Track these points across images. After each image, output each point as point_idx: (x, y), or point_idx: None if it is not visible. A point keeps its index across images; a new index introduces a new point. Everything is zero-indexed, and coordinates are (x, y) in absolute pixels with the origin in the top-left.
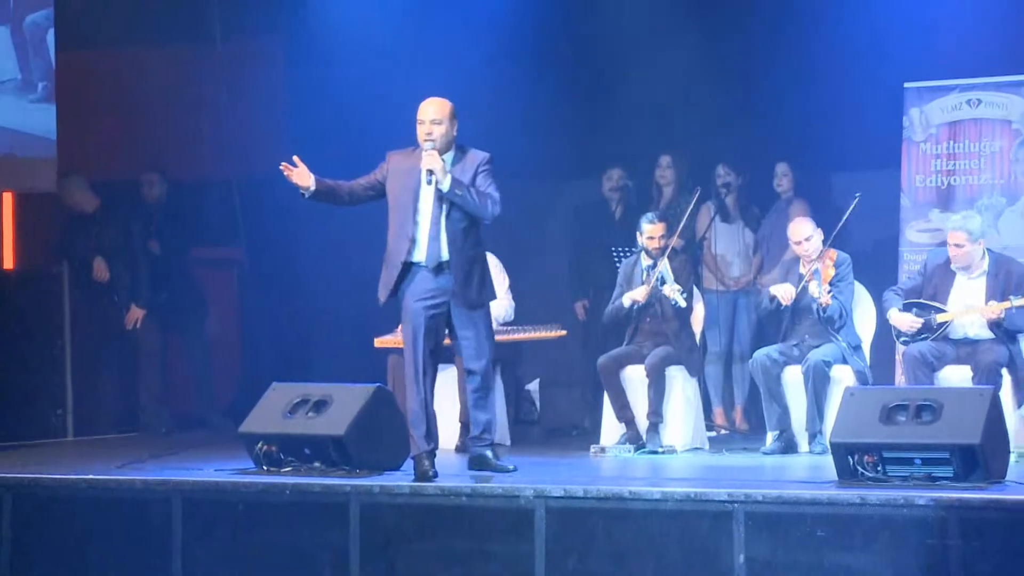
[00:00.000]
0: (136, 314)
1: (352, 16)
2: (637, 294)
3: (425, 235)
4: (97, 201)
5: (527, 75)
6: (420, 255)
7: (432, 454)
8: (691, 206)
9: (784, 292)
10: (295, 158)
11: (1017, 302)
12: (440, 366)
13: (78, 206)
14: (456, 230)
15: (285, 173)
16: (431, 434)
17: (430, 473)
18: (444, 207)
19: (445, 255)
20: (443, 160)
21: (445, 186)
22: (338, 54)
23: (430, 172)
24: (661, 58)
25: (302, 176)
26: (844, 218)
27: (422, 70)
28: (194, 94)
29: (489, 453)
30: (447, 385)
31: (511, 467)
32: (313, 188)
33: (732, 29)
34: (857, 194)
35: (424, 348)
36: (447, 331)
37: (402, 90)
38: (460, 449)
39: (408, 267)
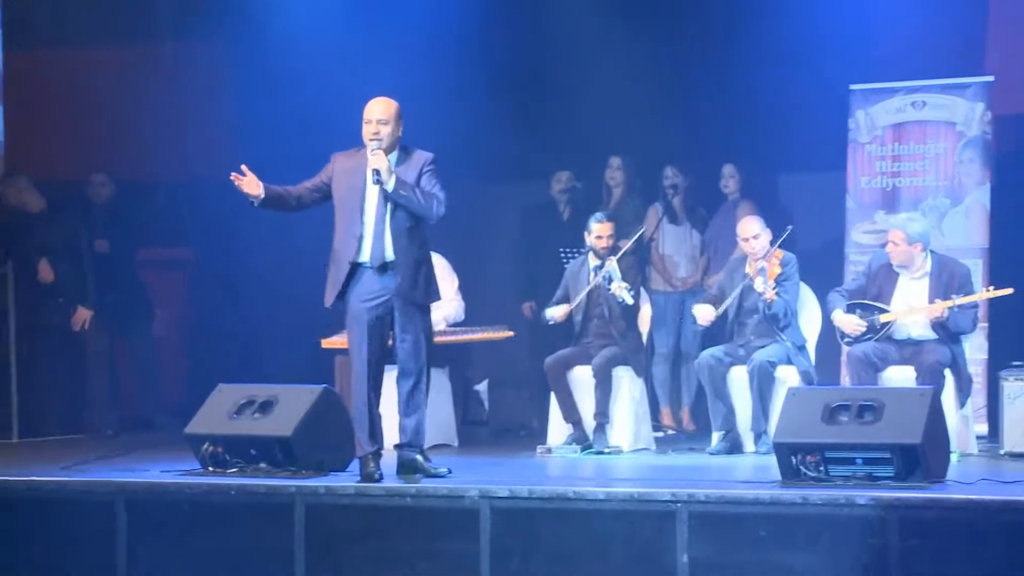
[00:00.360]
0: (84, 315)
1: (298, 18)
2: (557, 312)
3: (371, 235)
4: (43, 201)
5: (475, 77)
6: (366, 255)
7: (377, 455)
8: (636, 236)
9: (704, 314)
10: (244, 167)
11: (959, 301)
12: (387, 367)
13: (24, 206)
14: (401, 230)
15: (235, 183)
16: (375, 435)
17: (375, 474)
18: (389, 207)
19: (390, 255)
20: (388, 160)
21: (390, 186)
22: (284, 56)
23: (376, 172)
24: (610, 60)
25: (251, 185)
26: (778, 242)
27: (368, 71)
28: (141, 95)
29: (419, 458)
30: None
31: (444, 470)
32: (263, 196)
33: (680, 31)
34: (789, 226)
35: (369, 350)
36: (391, 332)
37: (348, 92)
38: None
39: (355, 268)
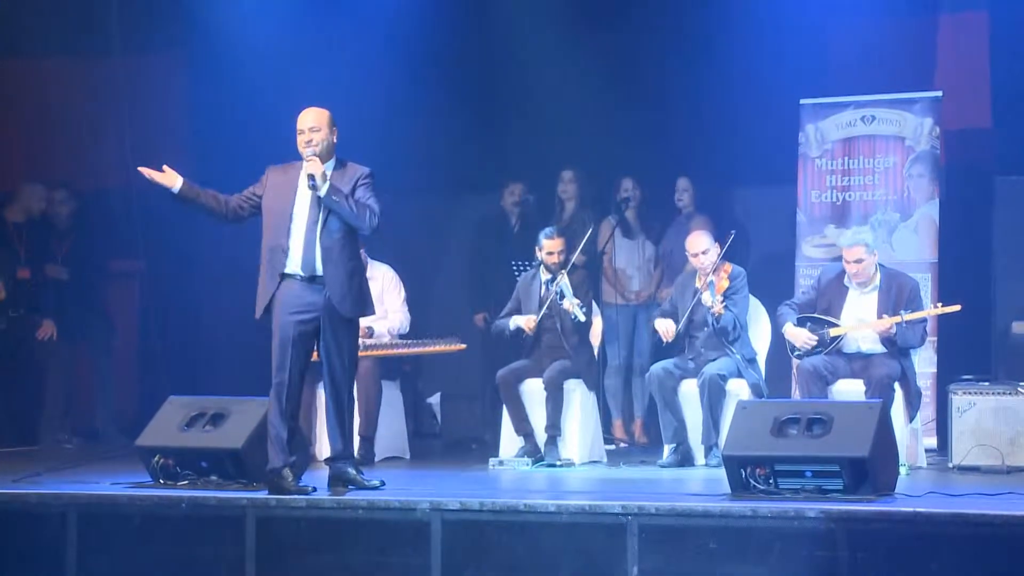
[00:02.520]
0: (48, 328)
1: (251, 31)
2: (526, 321)
3: (300, 246)
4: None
5: (428, 88)
6: (294, 266)
7: (294, 467)
8: (587, 236)
9: (666, 329)
10: (164, 166)
11: (908, 317)
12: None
13: (27, 212)
14: (332, 241)
15: (146, 175)
16: (288, 449)
17: (289, 487)
18: (321, 217)
19: (319, 267)
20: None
21: (323, 191)
22: (237, 68)
23: (311, 177)
24: (562, 73)
25: (166, 177)
26: (723, 250)
27: (321, 83)
28: (92, 106)
29: (351, 470)
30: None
31: (377, 482)
32: (178, 187)
33: (632, 45)
34: (732, 231)
35: (292, 363)
36: (316, 344)
37: (300, 103)
38: (360, 461)
39: (282, 279)
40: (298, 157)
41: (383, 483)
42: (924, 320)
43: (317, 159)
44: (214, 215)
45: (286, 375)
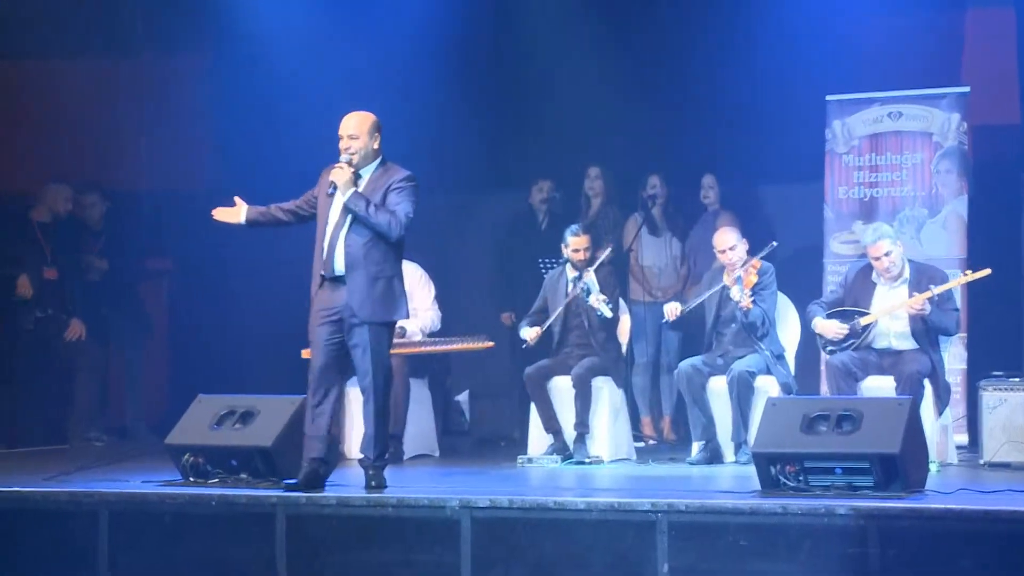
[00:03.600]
0: (77, 328)
1: (278, 30)
2: (528, 334)
3: (327, 247)
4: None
5: (456, 85)
6: (325, 268)
7: (322, 462)
8: (606, 254)
9: (671, 309)
10: (236, 198)
11: (938, 290)
12: None
13: (52, 212)
14: (355, 244)
15: (219, 217)
16: (316, 447)
17: (301, 484)
18: (346, 221)
19: (340, 269)
20: (354, 174)
21: (346, 196)
22: (263, 69)
23: (332, 184)
24: (590, 69)
25: (230, 214)
26: (759, 256)
27: (349, 82)
28: (117, 108)
29: (369, 471)
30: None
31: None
32: (243, 221)
33: (659, 41)
34: (774, 242)
35: (318, 362)
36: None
37: (329, 101)
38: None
39: (321, 280)
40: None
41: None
42: (957, 308)
43: (345, 166)
44: (280, 226)
45: (313, 375)
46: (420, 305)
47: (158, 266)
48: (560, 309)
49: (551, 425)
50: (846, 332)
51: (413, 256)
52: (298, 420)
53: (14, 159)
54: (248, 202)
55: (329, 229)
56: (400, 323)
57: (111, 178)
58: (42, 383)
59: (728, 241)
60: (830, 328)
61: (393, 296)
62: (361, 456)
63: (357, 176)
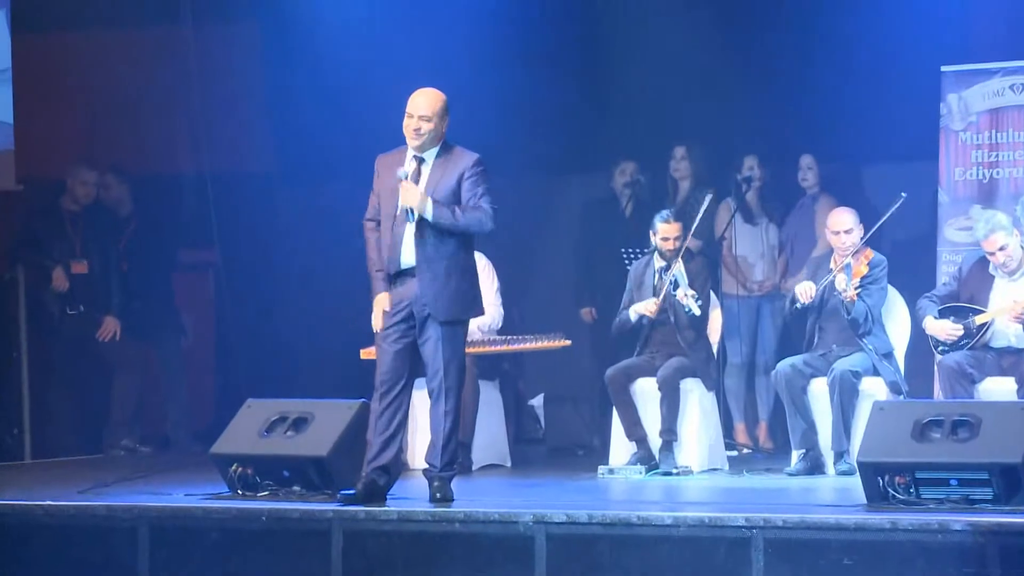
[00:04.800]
0: (112, 326)
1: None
2: (645, 307)
3: (394, 241)
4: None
5: (528, 58)
6: (392, 263)
7: (383, 472)
8: (703, 207)
9: (805, 290)
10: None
11: None
12: None
13: (77, 200)
14: (426, 236)
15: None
16: (381, 455)
17: (359, 496)
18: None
19: (408, 261)
20: (423, 194)
21: (429, 216)
22: (320, 40)
23: (408, 211)
24: (675, 39)
25: (379, 319)
26: (883, 219)
27: (412, 57)
28: (160, 82)
29: (435, 482)
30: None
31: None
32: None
33: (751, 10)
34: (903, 193)
35: (385, 362)
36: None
37: (390, 79)
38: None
39: (388, 275)
40: (399, 131)
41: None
42: None
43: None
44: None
45: (379, 375)
46: (486, 300)
47: (203, 258)
48: (651, 301)
49: (634, 432)
50: (959, 335)
51: (483, 246)
52: (356, 427)
53: (45, 140)
54: (303, 187)
55: (394, 222)
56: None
57: (149, 160)
58: (76, 387)
59: (845, 223)
60: (942, 329)
61: (468, 291)
62: (426, 466)
63: (420, 160)
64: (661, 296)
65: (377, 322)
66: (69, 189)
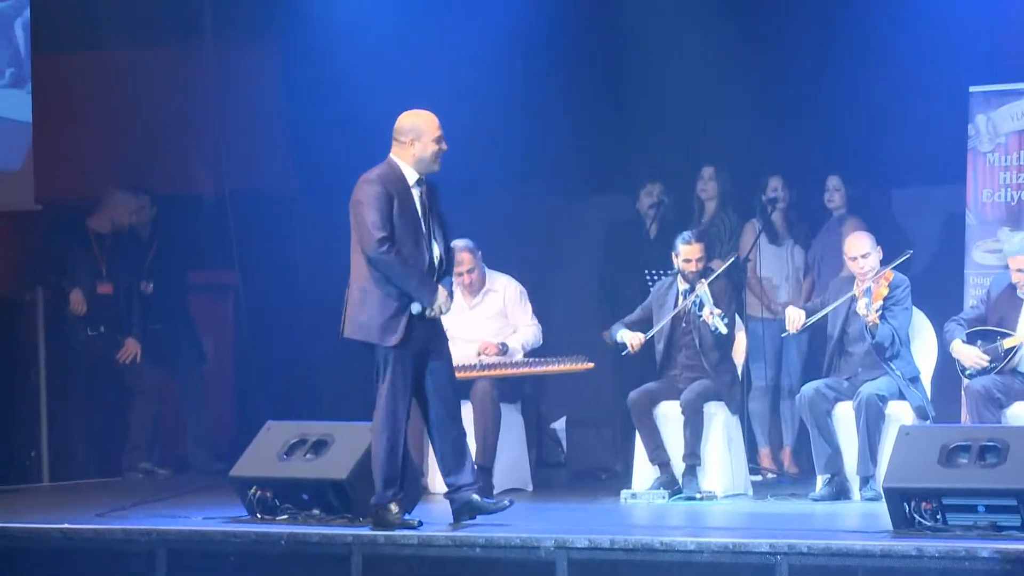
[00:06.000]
0: (132, 348)
1: (357, 17)
2: (635, 337)
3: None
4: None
5: (553, 78)
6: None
7: (395, 501)
8: (725, 266)
9: (793, 319)
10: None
11: None
12: None
13: (113, 224)
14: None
15: None
16: (398, 481)
17: (391, 519)
18: (433, 227)
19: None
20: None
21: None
22: (339, 60)
23: (439, 308)
24: (702, 59)
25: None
26: (892, 265)
27: (432, 78)
28: (182, 102)
29: (476, 497)
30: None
31: (507, 502)
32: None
33: (778, 29)
34: (909, 251)
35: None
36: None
37: (410, 99)
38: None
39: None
40: None
41: (511, 502)
42: None
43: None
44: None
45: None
46: (520, 321)
47: (222, 279)
48: (664, 322)
49: (657, 456)
50: (987, 362)
51: (506, 267)
52: None
53: (69, 160)
54: (323, 207)
55: (422, 239)
56: (503, 339)
57: (171, 181)
58: (94, 409)
59: (861, 247)
60: (969, 355)
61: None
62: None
63: (420, 183)
64: (668, 319)
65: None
66: (104, 211)
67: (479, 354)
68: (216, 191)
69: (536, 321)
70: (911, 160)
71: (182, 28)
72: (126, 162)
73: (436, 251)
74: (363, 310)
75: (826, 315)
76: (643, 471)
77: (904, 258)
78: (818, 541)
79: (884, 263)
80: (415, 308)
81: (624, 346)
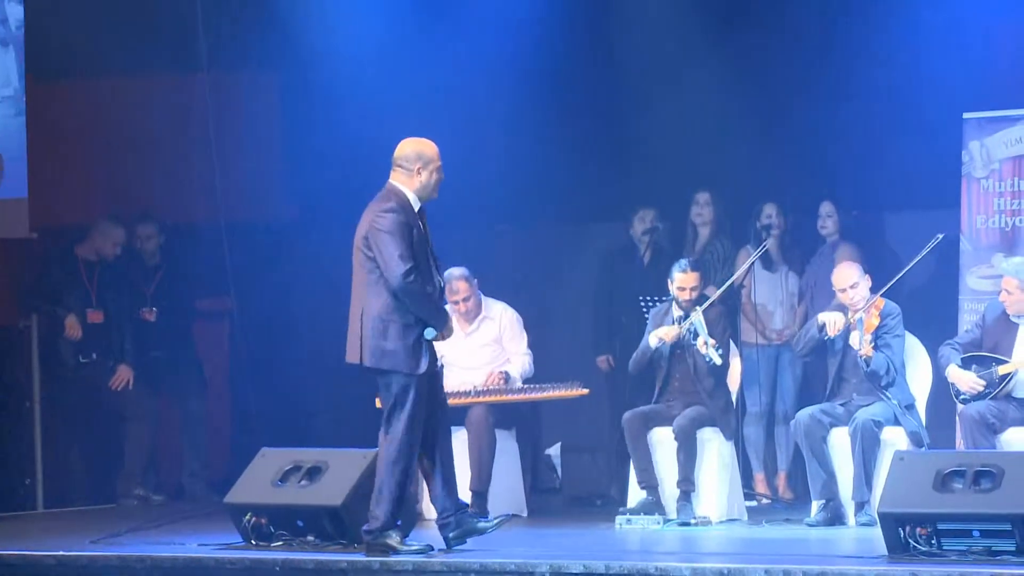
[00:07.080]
0: (125, 375)
1: (352, 45)
2: (666, 333)
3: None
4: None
5: (547, 106)
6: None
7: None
8: (720, 291)
9: (834, 321)
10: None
11: None
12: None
13: (98, 253)
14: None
15: None
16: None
17: (394, 546)
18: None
19: None
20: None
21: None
22: (337, 88)
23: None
24: (695, 86)
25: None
26: (921, 254)
27: (430, 106)
28: (178, 129)
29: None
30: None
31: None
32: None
33: (773, 56)
34: (939, 235)
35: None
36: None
37: (407, 128)
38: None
39: None
40: None
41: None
42: None
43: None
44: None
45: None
46: (516, 350)
47: (219, 306)
48: (681, 331)
49: (645, 478)
50: (982, 388)
51: (501, 294)
52: (370, 476)
53: (60, 188)
54: (320, 235)
55: (431, 266)
56: (504, 368)
57: (167, 208)
58: (89, 436)
59: (848, 278)
60: (964, 380)
61: None
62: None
63: (422, 210)
64: (680, 331)
65: None
66: (90, 239)
67: (485, 382)
68: (213, 219)
69: (529, 351)
70: (906, 186)
71: (178, 56)
72: (122, 190)
73: (439, 278)
74: (387, 338)
75: (812, 331)
76: (638, 496)
77: (933, 243)
78: (813, 566)
79: (874, 290)
80: (428, 334)
81: (662, 344)
